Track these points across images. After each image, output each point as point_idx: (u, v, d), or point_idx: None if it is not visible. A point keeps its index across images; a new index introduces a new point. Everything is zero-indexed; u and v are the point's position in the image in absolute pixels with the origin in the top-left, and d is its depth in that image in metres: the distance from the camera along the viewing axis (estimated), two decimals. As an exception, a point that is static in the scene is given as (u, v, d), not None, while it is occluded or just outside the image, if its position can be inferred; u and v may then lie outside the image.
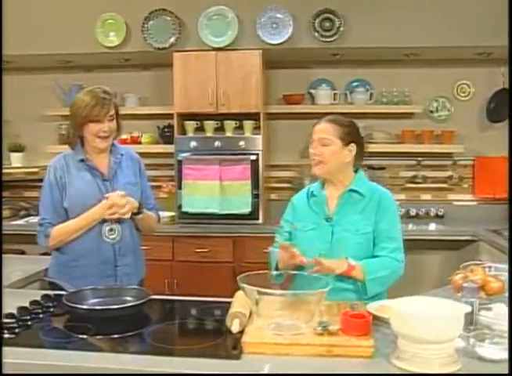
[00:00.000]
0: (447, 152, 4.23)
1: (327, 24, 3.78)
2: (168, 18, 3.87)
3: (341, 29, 3.77)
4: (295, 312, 1.63)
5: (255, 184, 3.93)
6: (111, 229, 2.28)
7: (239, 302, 1.78)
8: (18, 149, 4.45)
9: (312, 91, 4.30)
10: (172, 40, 3.88)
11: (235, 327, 1.64)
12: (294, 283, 1.86)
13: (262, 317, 1.65)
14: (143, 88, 4.45)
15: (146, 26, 3.87)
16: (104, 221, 2.26)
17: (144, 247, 2.56)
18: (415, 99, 4.22)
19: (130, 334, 1.67)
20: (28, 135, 4.50)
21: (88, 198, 2.28)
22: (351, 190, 2.11)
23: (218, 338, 1.64)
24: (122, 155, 2.41)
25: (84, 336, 1.65)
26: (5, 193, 4.56)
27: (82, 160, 2.32)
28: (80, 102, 2.26)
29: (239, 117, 4.04)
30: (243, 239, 3.83)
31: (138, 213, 2.35)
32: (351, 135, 2.10)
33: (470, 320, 1.69)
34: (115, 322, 1.76)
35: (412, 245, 4.35)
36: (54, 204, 2.32)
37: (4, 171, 4.39)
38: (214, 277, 3.73)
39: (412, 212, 4.27)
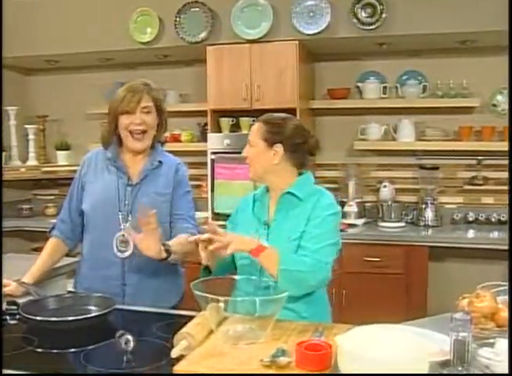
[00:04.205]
0: (512, 150, 3.75)
1: (368, 11, 3.45)
2: (201, 10, 3.71)
3: (384, 15, 3.42)
4: (253, 319, 1.49)
5: (291, 184, 3.68)
6: (123, 242, 2.00)
7: (197, 320, 1.58)
8: (64, 147, 4.50)
9: (360, 84, 3.98)
10: (205, 34, 3.71)
11: (175, 351, 1.42)
12: (238, 288, 1.71)
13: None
14: (185, 84, 4.34)
15: (178, 20, 3.74)
16: (118, 230, 2.01)
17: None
18: (474, 91, 3.77)
19: (69, 350, 1.51)
20: (74, 133, 4.55)
21: (104, 202, 2.05)
22: (288, 193, 1.89)
23: (159, 361, 1.44)
24: (161, 162, 2.12)
25: (20, 350, 1.52)
26: (51, 191, 4.66)
27: (110, 159, 2.09)
28: (115, 95, 2.07)
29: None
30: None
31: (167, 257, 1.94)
32: (278, 134, 1.87)
33: (461, 359, 1.38)
34: (68, 334, 1.62)
35: (471, 254, 3.96)
36: (70, 203, 2.16)
37: (50, 169, 4.48)
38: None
39: (471, 217, 3.84)
